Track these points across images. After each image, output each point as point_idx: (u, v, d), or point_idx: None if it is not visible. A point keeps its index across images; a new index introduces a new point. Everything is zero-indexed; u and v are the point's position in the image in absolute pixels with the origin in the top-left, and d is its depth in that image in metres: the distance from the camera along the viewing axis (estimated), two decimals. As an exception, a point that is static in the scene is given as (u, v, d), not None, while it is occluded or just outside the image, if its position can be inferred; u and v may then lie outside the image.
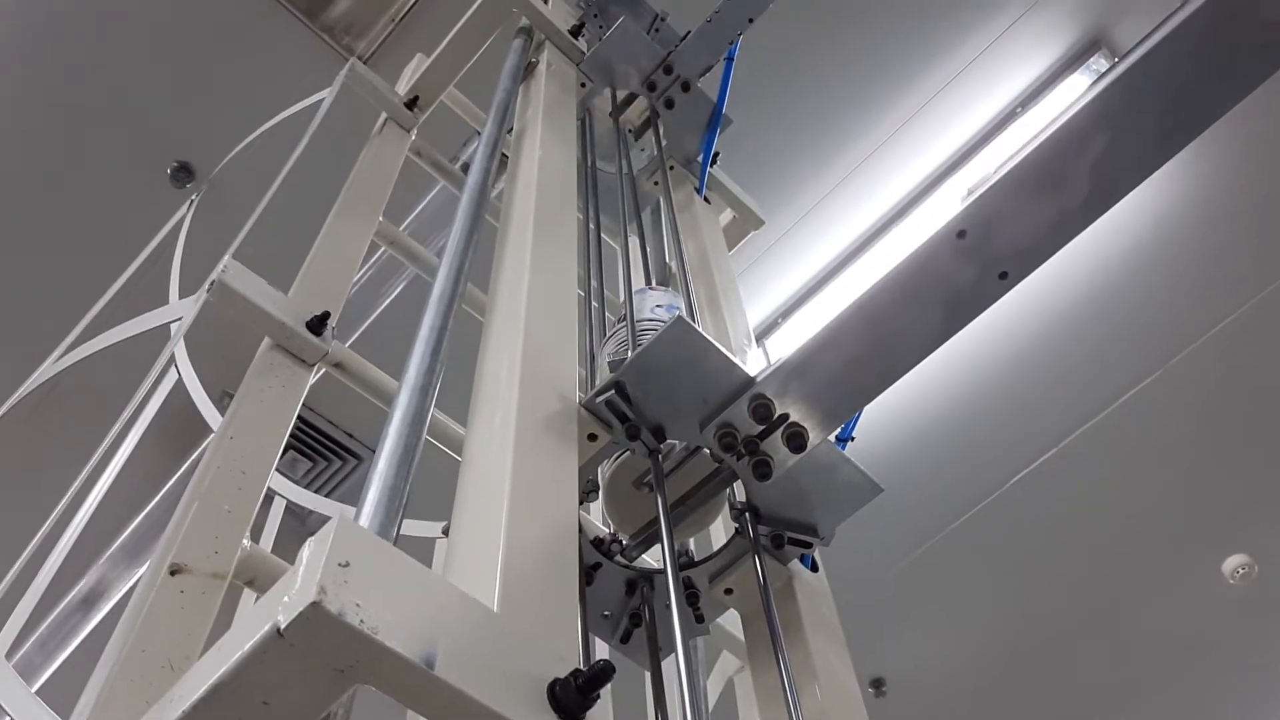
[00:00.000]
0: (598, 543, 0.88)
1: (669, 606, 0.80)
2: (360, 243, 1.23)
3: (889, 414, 3.28)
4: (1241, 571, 3.66)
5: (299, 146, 1.46)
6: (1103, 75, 0.74)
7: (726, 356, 0.80)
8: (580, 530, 0.78)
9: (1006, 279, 0.77)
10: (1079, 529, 3.55)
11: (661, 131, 1.61)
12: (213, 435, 0.91)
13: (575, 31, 1.60)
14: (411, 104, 1.60)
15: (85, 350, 1.28)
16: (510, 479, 0.66)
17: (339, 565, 0.46)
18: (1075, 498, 3.48)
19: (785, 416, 0.81)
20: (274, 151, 1.77)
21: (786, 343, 3.11)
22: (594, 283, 1.26)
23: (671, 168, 1.62)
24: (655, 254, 1.55)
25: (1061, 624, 3.80)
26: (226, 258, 0.96)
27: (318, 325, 1.02)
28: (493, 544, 0.60)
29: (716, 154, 1.69)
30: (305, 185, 1.63)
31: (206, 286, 0.93)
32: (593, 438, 0.81)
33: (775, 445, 0.82)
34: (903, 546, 3.60)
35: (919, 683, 4.01)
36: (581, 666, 0.52)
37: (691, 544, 0.97)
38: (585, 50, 1.58)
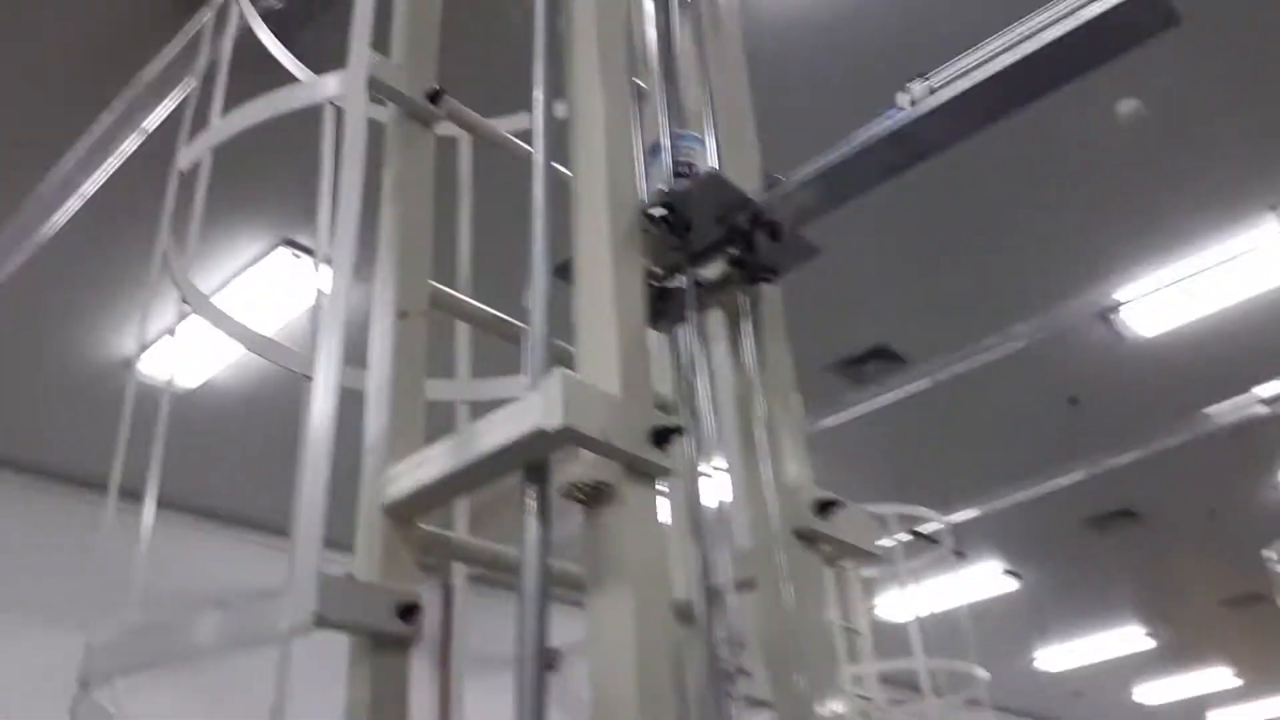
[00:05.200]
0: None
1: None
2: None
3: None
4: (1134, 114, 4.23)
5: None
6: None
7: (738, 190, 1.26)
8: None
9: (924, 157, 1.22)
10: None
11: None
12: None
13: None
14: None
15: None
16: (613, 296, 1.17)
17: (566, 401, 1.00)
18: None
19: (770, 220, 1.30)
20: None
21: None
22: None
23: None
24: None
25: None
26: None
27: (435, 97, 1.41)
28: (611, 354, 1.13)
29: None
30: None
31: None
32: (645, 230, 1.29)
33: (761, 235, 1.32)
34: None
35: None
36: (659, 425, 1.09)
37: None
38: None
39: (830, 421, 6.18)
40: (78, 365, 4.95)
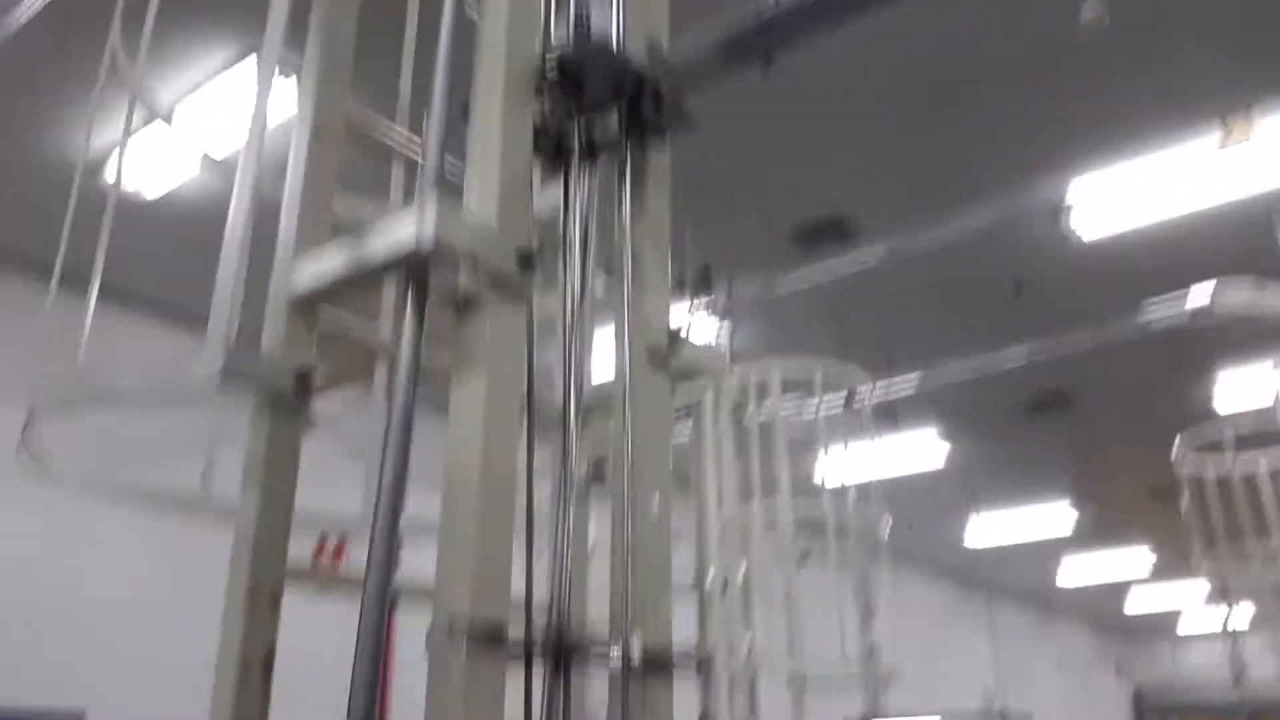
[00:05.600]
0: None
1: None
2: None
3: None
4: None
5: None
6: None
7: (624, 58, 1.43)
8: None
9: (787, 45, 1.39)
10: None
11: None
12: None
13: None
14: None
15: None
16: (500, 124, 1.35)
17: (437, 221, 1.20)
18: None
19: (655, 86, 1.47)
20: None
21: None
22: None
23: None
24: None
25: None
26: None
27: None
28: (492, 186, 1.32)
29: None
30: None
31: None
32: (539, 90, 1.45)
33: (648, 101, 1.49)
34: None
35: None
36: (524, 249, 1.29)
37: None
38: None
39: (782, 289, 6.42)
40: (48, 161, 5.04)
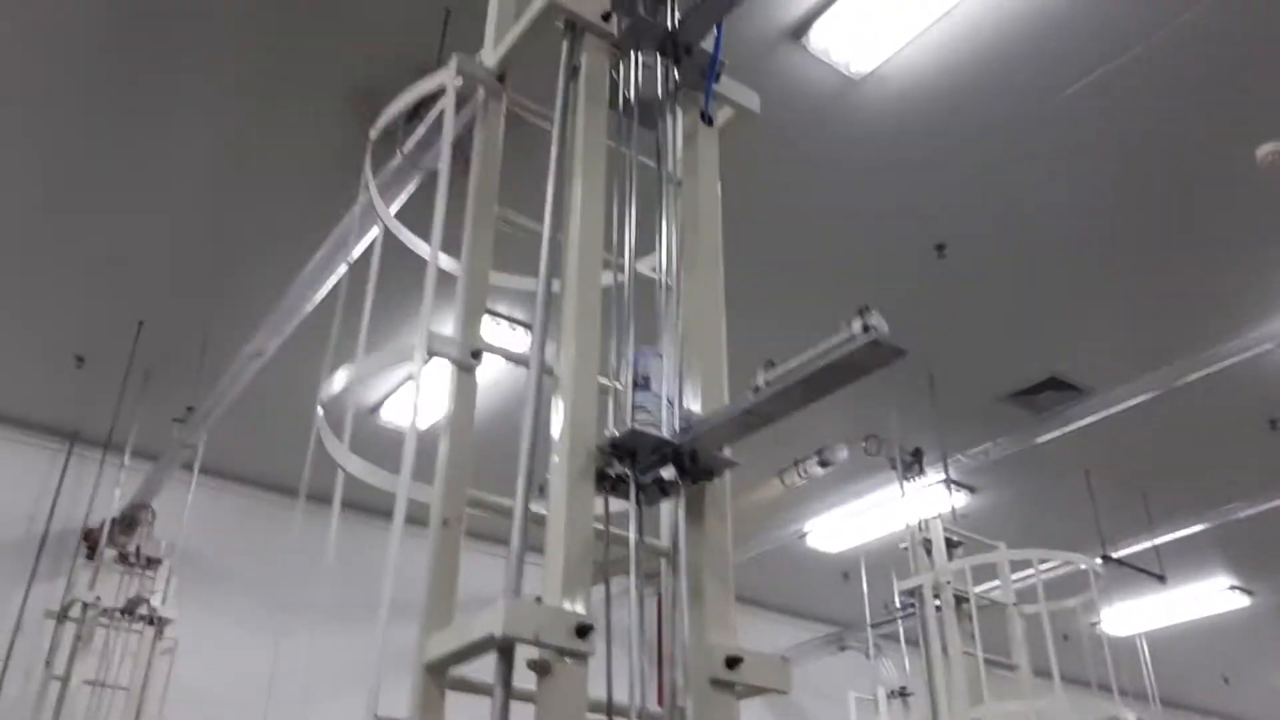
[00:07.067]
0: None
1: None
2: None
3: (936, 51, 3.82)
4: (1272, 158, 4.19)
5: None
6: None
7: (655, 437, 1.78)
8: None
9: (771, 421, 1.69)
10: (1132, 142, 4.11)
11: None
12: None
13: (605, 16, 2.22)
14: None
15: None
16: (564, 520, 1.72)
17: (510, 615, 1.57)
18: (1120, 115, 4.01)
19: (692, 452, 1.80)
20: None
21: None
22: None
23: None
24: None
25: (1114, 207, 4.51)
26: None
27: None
28: (558, 565, 1.68)
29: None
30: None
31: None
32: (603, 468, 1.82)
33: (684, 461, 1.82)
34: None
35: (979, 245, 4.92)
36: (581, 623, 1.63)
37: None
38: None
39: (1015, 450, 6.31)
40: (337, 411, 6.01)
